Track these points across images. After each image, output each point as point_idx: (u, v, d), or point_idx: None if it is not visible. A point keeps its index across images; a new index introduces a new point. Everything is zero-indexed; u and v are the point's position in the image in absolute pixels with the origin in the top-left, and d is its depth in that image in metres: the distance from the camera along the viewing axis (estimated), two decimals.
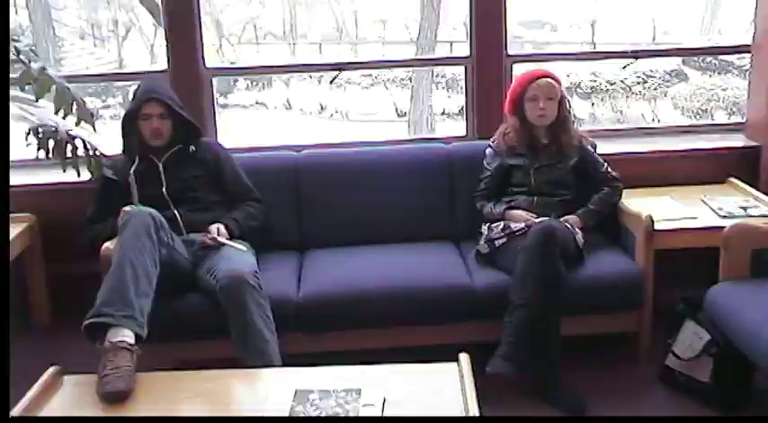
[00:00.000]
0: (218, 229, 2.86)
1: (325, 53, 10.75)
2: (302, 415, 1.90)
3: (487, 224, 3.02)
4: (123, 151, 3.06)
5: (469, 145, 3.43)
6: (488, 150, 3.19)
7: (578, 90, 8.06)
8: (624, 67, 7.90)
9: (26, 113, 2.97)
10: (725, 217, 2.98)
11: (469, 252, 3.06)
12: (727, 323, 2.50)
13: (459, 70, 3.93)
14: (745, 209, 3.06)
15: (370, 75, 9.53)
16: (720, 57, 8.30)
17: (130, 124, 3.01)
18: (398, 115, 9.15)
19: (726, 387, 2.59)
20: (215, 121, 3.59)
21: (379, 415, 1.88)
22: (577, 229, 2.91)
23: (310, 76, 9.46)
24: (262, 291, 2.63)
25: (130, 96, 3.33)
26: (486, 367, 2.58)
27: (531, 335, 2.62)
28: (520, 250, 2.72)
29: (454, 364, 2.05)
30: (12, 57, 2.71)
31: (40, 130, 2.89)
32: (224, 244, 2.80)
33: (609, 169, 3.12)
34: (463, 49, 3.67)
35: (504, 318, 2.66)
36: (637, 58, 4.05)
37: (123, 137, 3.04)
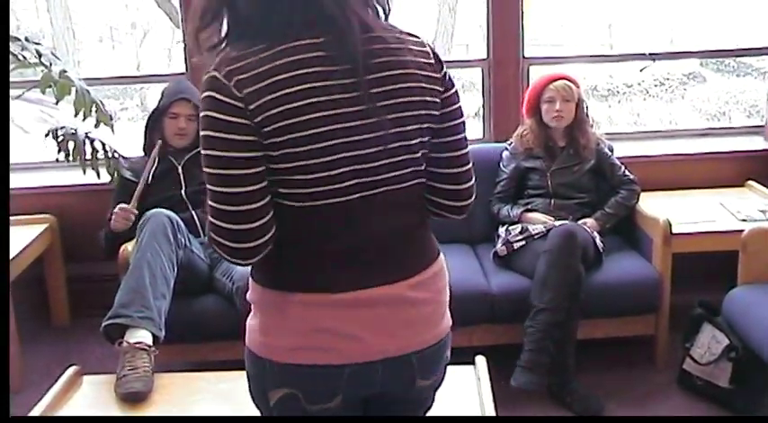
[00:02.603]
0: None
1: None
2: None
3: (505, 226, 3.01)
4: (144, 149, 3.07)
5: (486, 147, 3.42)
6: (505, 153, 3.19)
7: (595, 92, 8.03)
8: (642, 70, 7.86)
9: (46, 115, 3.00)
10: (744, 220, 2.96)
11: (485, 255, 3.05)
12: (746, 327, 2.48)
13: (475, 72, 3.92)
14: (764, 212, 3.03)
15: None
16: (739, 59, 8.25)
17: (155, 122, 3.03)
18: None
19: (745, 392, 2.57)
20: None
21: None
22: (595, 233, 2.91)
23: None
24: None
25: (148, 99, 3.35)
26: (511, 380, 2.57)
27: (552, 339, 2.61)
28: (541, 254, 2.71)
29: (471, 368, 2.04)
30: (33, 60, 2.74)
31: (59, 132, 2.92)
32: None
33: (626, 172, 3.11)
34: (480, 52, 3.67)
35: (526, 323, 2.65)
36: (654, 60, 4.03)
37: (145, 135, 3.06)
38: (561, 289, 2.63)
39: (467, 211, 1.38)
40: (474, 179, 1.36)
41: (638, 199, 3.08)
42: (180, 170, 3.00)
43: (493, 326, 2.82)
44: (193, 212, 2.92)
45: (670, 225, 2.83)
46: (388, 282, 1.26)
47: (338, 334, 1.24)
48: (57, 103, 2.84)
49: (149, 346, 2.27)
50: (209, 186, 1.19)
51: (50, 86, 2.73)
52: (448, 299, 1.38)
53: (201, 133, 1.17)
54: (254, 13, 1.18)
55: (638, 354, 2.97)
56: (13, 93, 2.72)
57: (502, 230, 3.01)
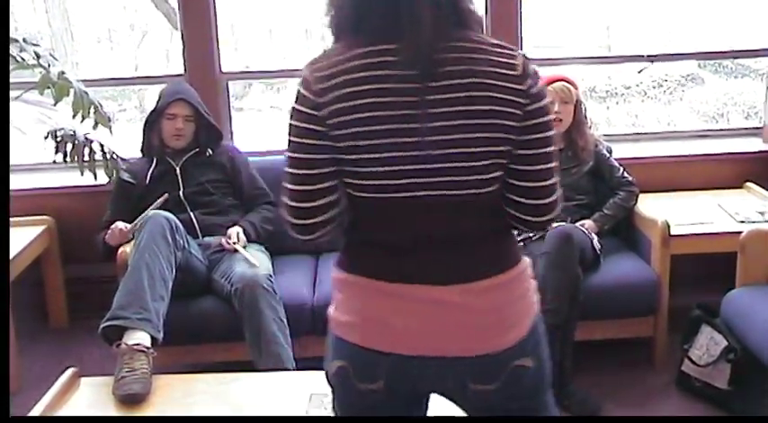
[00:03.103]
0: (237, 233, 2.87)
1: None
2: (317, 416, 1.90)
3: None
4: (141, 150, 3.07)
5: None
6: None
7: (593, 94, 8.03)
8: (640, 71, 7.86)
9: (45, 117, 3.00)
10: (742, 222, 2.96)
11: None
12: (745, 329, 2.48)
13: None
14: (762, 214, 3.03)
15: None
16: (737, 60, 8.26)
17: (153, 123, 3.03)
18: None
19: (744, 394, 2.57)
20: (231, 126, 3.61)
21: None
22: (593, 234, 2.91)
23: None
24: (276, 294, 2.64)
25: (146, 100, 3.36)
26: None
27: (550, 341, 2.61)
28: (538, 256, 2.71)
29: None
30: (31, 61, 2.74)
31: (58, 133, 2.92)
32: (240, 251, 2.80)
33: (625, 173, 3.11)
34: None
35: None
36: (652, 61, 4.03)
37: (143, 136, 3.06)
38: (559, 291, 2.63)
39: (546, 227, 1.41)
40: (557, 195, 1.36)
41: (636, 200, 3.08)
42: (178, 171, 3.00)
43: None
44: (192, 214, 2.92)
45: (668, 226, 2.83)
46: (436, 283, 1.31)
47: (384, 322, 1.33)
48: (55, 105, 2.84)
49: (147, 348, 2.27)
50: (285, 168, 1.33)
51: (49, 88, 2.73)
52: (521, 308, 1.37)
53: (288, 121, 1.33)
54: (343, 18, 1.32)
55: (637, 355, 2.97)
56: (11, 94, 2.72)
57: None
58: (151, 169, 3.00)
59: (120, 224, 2.82)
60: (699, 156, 3.51)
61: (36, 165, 3.63)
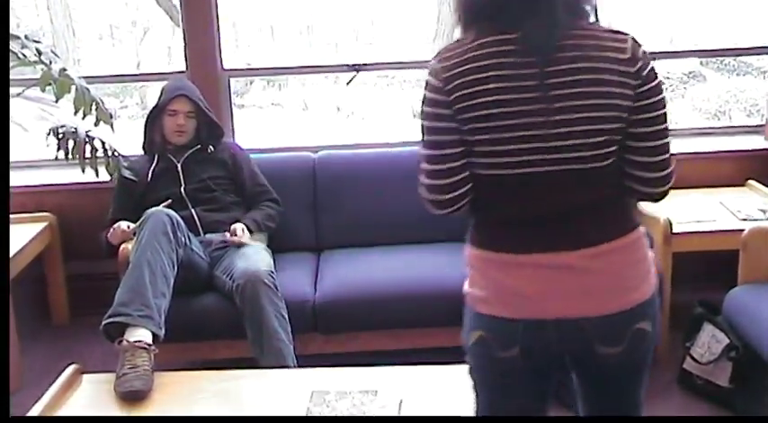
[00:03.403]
0: (242, 229, 2.87)
1: (342, 52, 10.75)
2: (318, 416, 1.90)
3: None
4: (143, 147, 3.07)
5: None
6: None
7: None
8: None
9: (46, 114, 3.00)
10: (744, 220, 2.96)
11: None
12: (747, 327, 2.48)
13: None
14: (764, 211, 3.03)
15: (386, 75, 9.52)
16: (739, 58, 8.24)
17: (154, 120, 3.03)
18: (414, 116, 9.15)
19: (745, 391, 2.57)
20: (232, 123, 3.61)
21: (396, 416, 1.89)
22: None
23: (325, 77, 9.46)
24: (278, 291, 2.64)
25: (148, 97, 3.37)
26: None
27: None
28: None
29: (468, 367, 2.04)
30: (33, 58, 2.74)
31: (59, 130, 2.92)
32: (245, 244, 2.81)
33: None
34: None
35: None
36: (654, 58, 4.01)
37: (145, 132, 3.06)
38: None
39: (661, 198, 1.57)
40: (671, 169, 1.53)
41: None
42: (179, 168, 3.00)
43: None
44: (193, 211, 2.92)
45: (670, 224, 2.82)
46: (565, 249, 1.44)
47: (517, 291, 1.46)
48: (56, 102, 2.84)
49: (149, 345, 2.27)
50: (420, 150, 1.49)
51: (50, 84, 2.73)
52: (641, 271, 1.49)
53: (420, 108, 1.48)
54: (468, 11, 1.47)
55: None
56: (12, 91, 2.71)
57: None
58: (153, 166, 3.00)
59: (122, 224, 2.82)
60: (701, 153, 3.50)
61: (37, 162, 3.63)
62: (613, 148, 1.44)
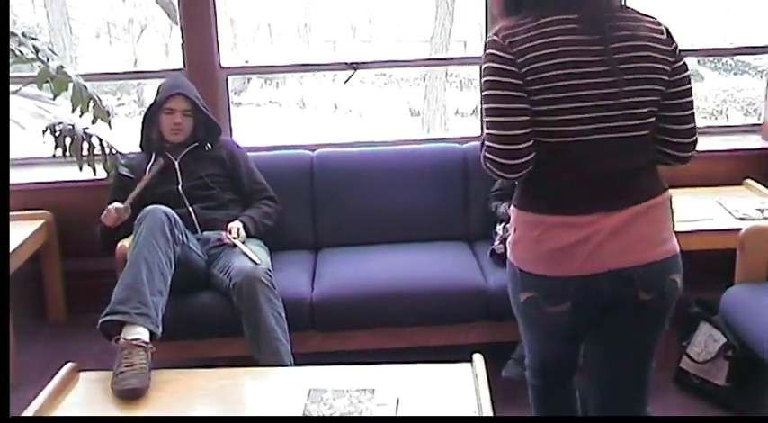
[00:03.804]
0: (238, 228, 2.87)
1: (339, 50, 10.75)
2: (316, 414, 1.90)
3: (503, 224, 3.01)
4: (140, 145, 3.07)
5: None
6: None
7: None
8: None
9: (43, 111, 2.99)
10: (741, 219, 2.96)
11: (483, 252, 3.05)
12: (743, 326, 2.49)
13: (474, 69, 3.91)
14: (761, 211, 3.03)
15: (384, 74, 9.52)
16: (736, 57, 8.25)
17: (152, 118, 3.02)
18: (412, 114, 9.14)
19: (742, 390, 2.58)
20: (230, 120, 3.60)
21: (393, 415, 1.88)
22: None
23: (323, 75, 9.46)
24: (275, 289, 2.64)
25: (145, 95, 3.36)
26: (503, 371, 2.58)
27: None
28: None
29: (468, 365, 2.04)
30: (30, 55, 2.73)
31: (57, 127, 2.91)
32: (239, 247, 2.80)
33: None
34: (479, 49, 3.66)
35: None
36: None
37: (142, 130, 3.06)
38: None
39: (687, 161, 1.76)
40: (695, 137, 1.74)
41: None
42: (177, 166, 2.99)
43: (490, 323, 2.82)
44: (190, 208, 2.92)
45: None
46: (613, 209, 1.63)
47: (567, 251, 1.64)
48: (54, 99, 2.84)
49: (146, 343, 2.26)
50: (486, 118, 1.62)
51: (47, 82, 2.72)
52: (669, 228, 1.73)
53: (483, 79, 1.61)
54: None
55: None
56: (10, 88, 2.71)
57: (499, 228, 3.01)
58: (150, 164, 2.99)
59: (112, 206, 2.82)
60: (698, 152, 3.48)
61: (35, 159, 3.63)
62: (652, 119, 1.65)
